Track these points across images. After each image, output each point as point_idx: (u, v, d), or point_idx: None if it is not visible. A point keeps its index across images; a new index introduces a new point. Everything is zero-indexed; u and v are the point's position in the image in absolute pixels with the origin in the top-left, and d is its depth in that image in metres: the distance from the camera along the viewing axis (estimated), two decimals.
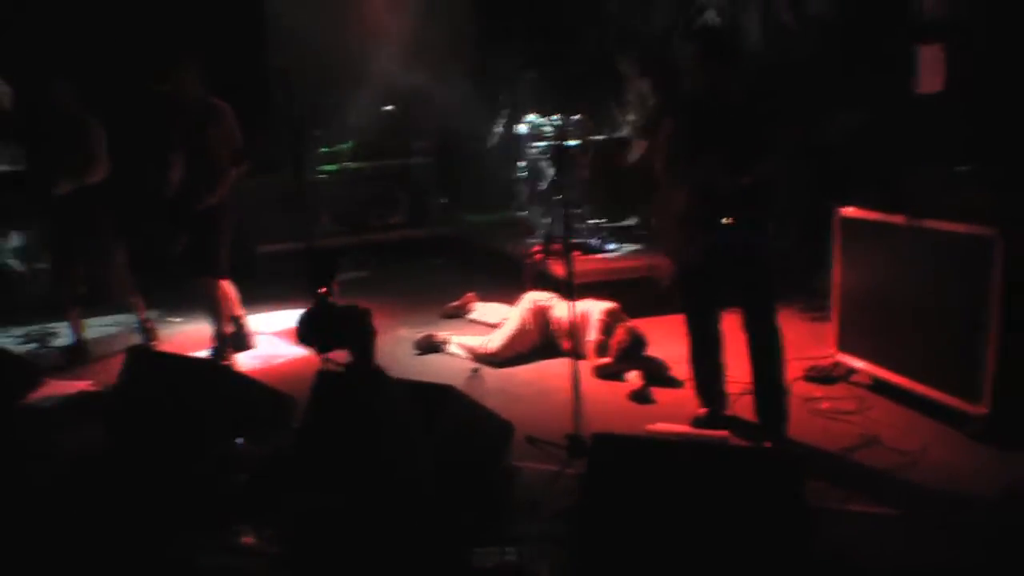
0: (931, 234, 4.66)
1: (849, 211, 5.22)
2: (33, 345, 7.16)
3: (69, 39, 8.64)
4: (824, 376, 5.45)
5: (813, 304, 6.62)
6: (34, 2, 8.86)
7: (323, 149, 10.19)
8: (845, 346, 5.38)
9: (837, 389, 5.34)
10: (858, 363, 5.28)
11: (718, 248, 4.43)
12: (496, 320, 6.79)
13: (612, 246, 7.91)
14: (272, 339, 7.08)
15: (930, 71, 6.62)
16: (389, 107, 10.31)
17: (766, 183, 4.38)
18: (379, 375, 3.90)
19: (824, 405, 5.06)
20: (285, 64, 5.18)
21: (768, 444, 4.55)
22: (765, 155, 4.28)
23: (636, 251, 7.84)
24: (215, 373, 5.10)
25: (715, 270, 4.56)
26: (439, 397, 3.74)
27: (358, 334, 4.70)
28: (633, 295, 6.64)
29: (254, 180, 6.92)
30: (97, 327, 7.20)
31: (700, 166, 4.37)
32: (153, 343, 6.79)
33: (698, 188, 4.40)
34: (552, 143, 8.03)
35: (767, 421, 4.64)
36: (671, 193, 4.60)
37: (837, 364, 5.45)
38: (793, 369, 5.48)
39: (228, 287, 6.54)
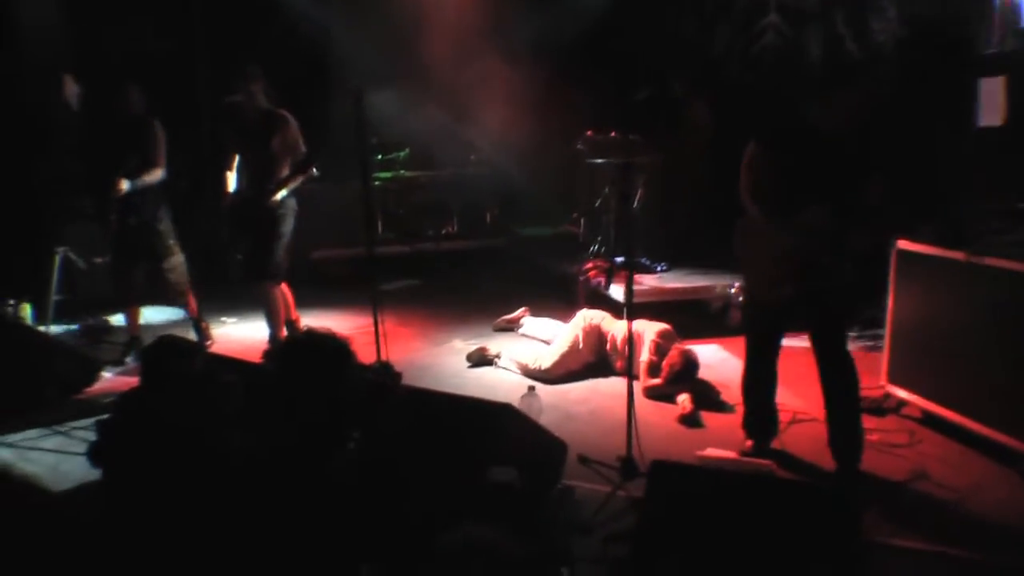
0: (990, 271, 4.63)
1: (906, 244, 5.20)
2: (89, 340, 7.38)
3: (140, 46, 8.88)
4: (875, 407, 5.39)
5: (864, 334, 6.61)
6: (110, 9, 9.07)
7: (377, 156, 10.25)
8: (896, 378, 5.34)
9: (888, 421, 5.31)
10: (909, 395, 5.25)
11: (809, 287, 4.38)
12: (547, 336, 6.83)
13: (662, 266, 7.95)
14: None
15: (992, 104, 6.60)
16: None
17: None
18: None
19: (874, 437, 4.98)
20: (357, 85, 5.28)
21: (837, 475, 4.50)
22: (864, 197, 4.23)
23: (688, 272, 7.88)
24: None
25: (796, 306, 4.48)
26: (499, 415, 3.82)
27: None
28: (683, 316, 6.66)
29: (313, 187, 7.05)
30: (152, 324, 7.38)
31: (807, 213, 4.26)
32: (207, 343, 6.92)
33: (802, 232, 4.29)
34: (612, 161, 8.06)
35: (843, 453, 4.54)
36: (769, 231, 4.45)
37: (888, 396, 5.42)
38: None
39: (286, 291, 6.66)
